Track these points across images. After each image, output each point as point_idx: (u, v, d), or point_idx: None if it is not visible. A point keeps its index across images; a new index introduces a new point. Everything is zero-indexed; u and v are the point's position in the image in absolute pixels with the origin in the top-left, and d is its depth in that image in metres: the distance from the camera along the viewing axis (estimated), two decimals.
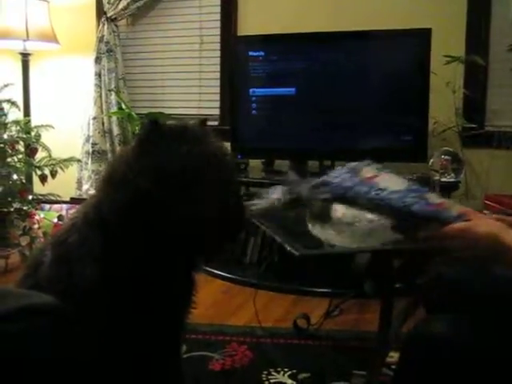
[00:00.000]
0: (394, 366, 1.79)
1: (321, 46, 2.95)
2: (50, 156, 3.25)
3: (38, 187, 3.35)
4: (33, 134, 3.25)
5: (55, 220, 3.46)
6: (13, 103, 3.13)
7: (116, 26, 3.62)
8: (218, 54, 3.50)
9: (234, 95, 3.16)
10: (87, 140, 3.63)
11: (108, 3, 3.56)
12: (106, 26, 3.57)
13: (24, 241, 3.18)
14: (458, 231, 1.03)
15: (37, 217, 3.32)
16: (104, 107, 3.60)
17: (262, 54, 3.00)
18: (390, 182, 1.17)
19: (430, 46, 2.68)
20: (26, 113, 3.52)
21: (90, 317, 1.00)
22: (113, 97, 3.58)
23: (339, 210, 1.28)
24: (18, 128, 3.19)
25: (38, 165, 3.23)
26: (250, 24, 3.38)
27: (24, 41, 3.41)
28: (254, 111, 3.05)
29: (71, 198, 3.58)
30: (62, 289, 1.03)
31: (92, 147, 3.60)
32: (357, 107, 2.90)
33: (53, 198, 3.28)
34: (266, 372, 1.90)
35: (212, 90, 3.55)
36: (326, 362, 1.97)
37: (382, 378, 1.60)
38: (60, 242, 1.11)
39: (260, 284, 1.76)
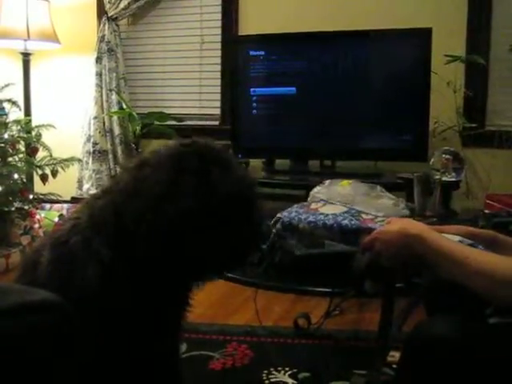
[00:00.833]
0: (394, 366, 1.79)
1: (321, 45, 2.95)
2: (50, 155, 3.25)
3: (38, 187, 3.35)
4: (33, 133, 3.24)
5: (56, 219, 3.47)
6: (13, 103, 3.13)
7: (117, 25, 3.63)
8: (219, 53, 3.51)
9: (234, 95, 3.16)
10: (88, 139, 3.64)
11: (109, 3, 3.56)
12: (106, 26, 3.58)
13: (25, 240, 3.18)
14: (374, 235, 1.20)
15: (37, 216, 3.32)
16: (105, 107, 3.61)
17: (262, 53, 3.00)
18: (332, 209, 1.47)
19: (430, 45, 2.69)
20: (27, 112, 3.52)
21: (89, 318, 1.00)
22: (113, 96, 3.58)
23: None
24: (19, 127, 3.18)
25: (38, 164, 3.23)
26: (251, 24, 3.38)
27: (25, 40, 3.41)
28: (254, 111, 3.05)
29: (72, 198, 3.58)
30: (62, 289, 1.02)
31: (93, 147, 3.60)
32: (357, 107, 2.90)
33: (53, 197, 3.28)
34: (266, 371, 1.89)
35: (212, 89, 3.55)
36: (326, 362, 1.97)
37: (382, 378, 1.60)
38: (60, 242, 1.09)
39: (260, 283, 1.76)
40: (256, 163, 3.12)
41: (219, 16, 3.49)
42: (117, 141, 3.61)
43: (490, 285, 0.99)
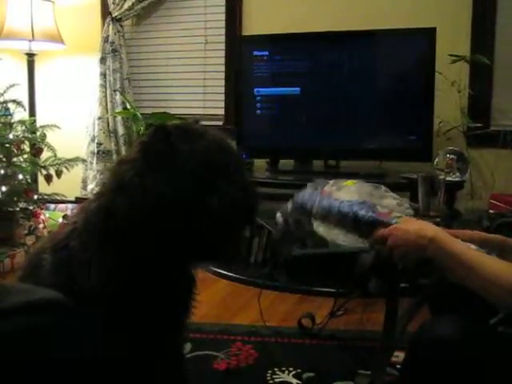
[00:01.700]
0: (398, 366, 1.79)
1: (325, 45, 2.95)
2: (55, 156, 3.27)
3: (43, 187, 3.36)
4: (38, 133, 3.26)
5: (60, 220, 3.47)
6: (18, 103, 3.14)
7: (121, 26, 3.63)
8: (223, 53, 3.51)
9: (238, 95, 3.16)
10: (92, 140, 3.64)
11: (113, 3, 3.57)
12: (110, 27, 3.58)
13: (29, 240, 3.19)
14: (388, 231, 1.20)
15: (42, 216, 3.33)
16: (109, 107, 3.61)
17: (266, 53, 3.00)
18: (346, 195, 1.39)
19: (435, 45, 2.68)
20: (32, 113, 3.54)
21: (93, 320, 1.00)
22: (118, 97, 3.59)
23: None
24: (24, 128, 3.20)
25: (43, 165, 3.24)
26: (255, 24, 3.38)
27: (29, 41, 3.42)
28: (258, 111, 3.05)
29: (76, 198, 3.59)
30: (65, 292, 1.03)
31: (97, 147, 3.61)
32: (362, 107, 2.90)
33: (58, 197, 3.29)
34: (270, 371, 1.90)
35: (217, 89, 3.55)
36: (330, 362, 1.97)
37: (386, 378, 1.60)
38: (61, 246, 1.10)
39: (265, 284, 1.76)
40: (260, 163, 3.12)
41: (223, 16, 3.49)
42: (121, 141, 3.61)
43: (502, 293, 0.99)
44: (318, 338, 2.16)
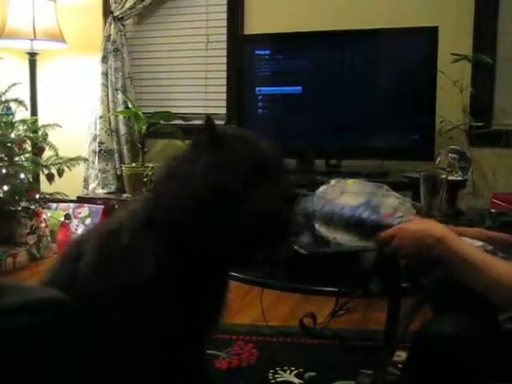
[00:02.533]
0: (400, 365, 1.79)
1: (327, 44, 2.95)
2: (56, 155, 3.27)
3: (45, 186, 3.37)
4: (40, 133, 3.26)
5: (62, 219, 3.48)
6: (20, 102, 3.15)
7: (123, 25, 3.63)
8: (225, 52, 3.50)
9: (240, 94, 3.16)
10: (94, 139, 3.65)
11: (115, 2, 3.57)
12: (112, 26, 3.58)
13: (31, 239, 3.20)
14: (394, 231, 1.19)
15: (44, 216, 3.34)
16: (111, 106, 3.61)
17: (268, 52, 3.00)
18: (349, 199, 1.39)
19: (437, 44, 2.68)
20: (33, 112, 3.54)
21: (95, 319, 1.01)
22: (119, 96, 3.59)
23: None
24: (26, 127, 3.20)
25: (45, 164, 3.24)
26: (257, 23, 3.38)
27: (31, 40, 3.43)
28: (260, 110, 3.05)
29: (78, 197, 3.59)
30: (110, 283, 1.04)
31: (99, 146, 3.61)
32: (363, 106, 2.90)
33: (60, 196, 3.29)
34: (272, 371, 1.90)
35: (218, 88, 3.55)
36: (332, 361, 1.97)
37: (388, 377, 1.60)
38: (107, 237, 1.10)
39: (266, 283, 1.76)
40: None
41: (225, 15, 3.49)
42: (123, 140, 3.61)
43: (505, 293, 0.99)
44: (319, 338, 2.16)
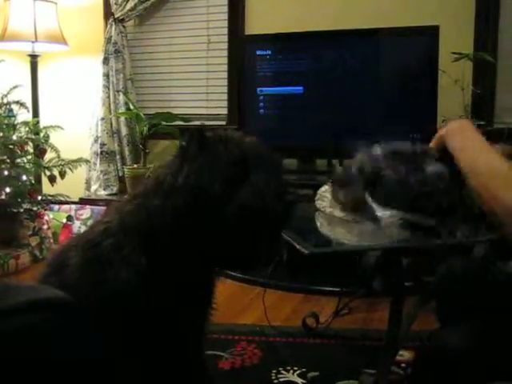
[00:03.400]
0: (403, 365, 1.79)
1: (328, 44, 2.95)
2: (58, 157, 3.27)
3: (46, 188, 3.37)
4: (41, 134, 3.26)
5: (64, 220, 3.48)
6: (22, 104, 3.15)
7: (123, 26, 3.64)
8: (226, 53, 3.51)
9: (241, 94, 3.16)
10: (95, 140, 3.65)
11: (115, 4, 3.57)
12: (113, 27, 3.59)
13: (33, 241, 3.20)
14: (442, 131, 1.20)
15: (46, 217, 3.34)
16: (112, 108, 3.62)
17: (269, 52, 3.00)
18: None
19: (438, 43, 2.68)
20: (35, 114, 3.54)
21: (119, 319, 1.01)
22: (121, 97, 3.59)
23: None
24: (27, 129, 3.20)
25: (46, 165, 3.25)
26: (258, 23, 3.38)
27: (32, 42, 3.43)
28: (261, 110, 3.05)
29: (80, 199, 3.60)
30: (93, 291, 1.03)
31: (100, 148, 3.61)
32: (365, 105, 2.90)
33: (62, 198, 3.29)
34: (275, 371, 1.89)
35: (219, 89, 3.56)
36: (335, 361, 1.97)
37: (391, 377, 1.60)
38: (92, 245, 1.09)
39: (269, 283, 1.76)
40: None
41: (226, 16, 3.49)
42: (124, 141, 3.62)
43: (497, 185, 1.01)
44: (322, 338, 2.16)
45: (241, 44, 3.24)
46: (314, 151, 3.01)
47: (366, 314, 2.40)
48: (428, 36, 2.72)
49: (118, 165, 3.63)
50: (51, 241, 3.35)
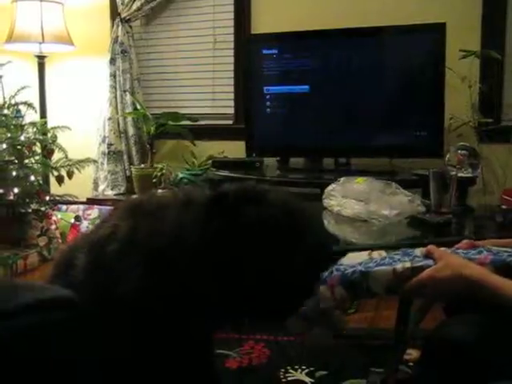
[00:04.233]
0: (411, 364, 1.78)
1: (334, 42, 2.94)
2: (66, 157, 3.28)
3: (54, 188, 3.38)
4: (49, 135, 3.28)
5: (72, 220, 3.50)
6: (29, 105, 3.16)
7: (130, 26, 3.64)
8: (232, 52, 3.51)
9: (248, 94, 3.16)
10: (103, 141, 3.66)
11: (122, 4, 3.58)
12: (120, 27, 3.59)
13: (42, 241, 3.21)
14: (425, 280, 1.05)
15: (54, 217, 3.36)
16: (119, 108, 3.63)
17: (275, 51, 3.00)
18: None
19: (444, 40, 2.67)
20: (43, 114, 3.56)
21: (127, 323, 1.00)
22: (128, 97, 3.60)
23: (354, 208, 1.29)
24: (35, 130, 3.22)
25: (54, 166, 3.26)
26: (264, 22, 3.38)
27: (40, 43, 3.45)
28: (268, 109, 3.05)
29: (88, 199, 3.61)
30: (100, 295, 1.01)
31: (108, 148, 3.62)
32: (371, 104, 2.89)
33: (69, 198, 3.31)
34: (283, 370, 1.90)
35: (226, 88, 3.55)
36: (343, 360, 1.96)
37: (399, 376, 1.60)
38: (98, 247, 1.06)
39: None
40: (270, 162, 3.12)
41: (232, 15, 3.49)
42: (131, 141, 3.63)
43: None
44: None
45: (247, 43, 3.24)
46: (321, 150, 3.00)
47: (373, 312, 2.40)
48: (435, 33, 2.71)
49: (126, 165, 3.64)
50: (59, 241, 3.36)
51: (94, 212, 3.55)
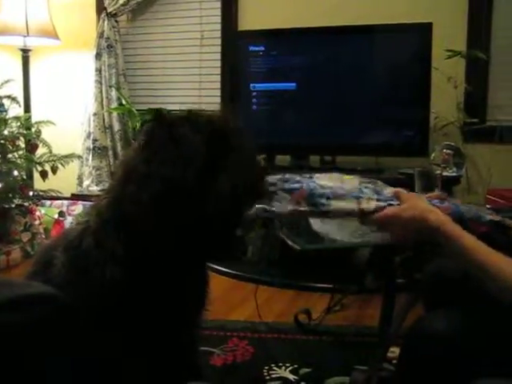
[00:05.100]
0: (395, 361, 1.79)
1: (321, 40, 2.95)
2: (50, 152, 3.26)
3: (38, 183, 3.35)
4: (33, 130, 3.25)
5: (56, 216, 3.47)
6: (13, 99, 3.13)
7: (116, 21, 3.62)
8: (219, 49, 3.50)
9: (234, 90, 3.15)
10: (88, 136, 3.63)
11: None
12: (106, 22, 3.56)
13: (25, 237, 3.19)
14: (390, 216, 1.14)
15: (38, 213, 3.33)
16: (104, 103, 3.60)
17: (262, 48, 2.99)
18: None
19: (431, 40, 2.68)
20: (27, 109, 3.52)
21: (109, 319, 1.01)
22: (113, 93, 3.57)
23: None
24: (19, 124, 3.19)
25: (38, 161, 3.23)
26: (251, 19, 3.37)
27: (24, 37, 3.40)
28: (254, 106, 3.05)
29: (72, 194, 3.58)
30: (79, 292, 1.01)
31: (93, 143, 3.60)
32: (358, 102, 2.90)
33: (54, 194, 3.28)
34: (267, 367, 1.90)
35: (212, 85, 3.54)
36: (326, 357, 1.97)
37: (382, 374, 1.60)
38: (73, 245, 1.07)
39: (261, 279, 1.75)
40: None
41: (219, 11, 3.47)
42: (116, 137, 3.60)
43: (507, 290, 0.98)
44: (314, 334, 2.16)
45: (234, 40, 3.23)
46: (307, 148, 3.01)
47: (357, 310, 2.41)
48: (421, 33, 2.72)
49: (111, 160, 3.62)
50: (43, 236, 3.33)
51: (79, 208, 3.52)
